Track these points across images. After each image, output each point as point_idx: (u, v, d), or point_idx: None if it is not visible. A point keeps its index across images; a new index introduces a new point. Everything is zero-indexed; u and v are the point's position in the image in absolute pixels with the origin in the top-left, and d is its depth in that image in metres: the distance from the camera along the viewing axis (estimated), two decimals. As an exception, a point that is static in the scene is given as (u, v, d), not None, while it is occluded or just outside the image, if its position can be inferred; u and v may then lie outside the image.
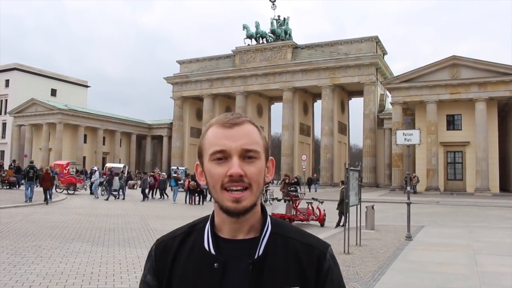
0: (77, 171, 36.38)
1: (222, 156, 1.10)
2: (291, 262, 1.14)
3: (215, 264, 1.12)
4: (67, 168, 32.96)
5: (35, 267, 8.21)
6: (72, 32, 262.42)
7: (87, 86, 76.68)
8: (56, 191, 28.67)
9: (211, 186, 1.13)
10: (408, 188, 13.32)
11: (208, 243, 1.16)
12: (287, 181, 24.32)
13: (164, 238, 1.25)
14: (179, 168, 41.12)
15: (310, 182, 41.11)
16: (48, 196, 21.91)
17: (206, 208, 22.43)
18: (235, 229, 1.15)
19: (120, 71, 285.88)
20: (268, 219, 1.20)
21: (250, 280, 1.10)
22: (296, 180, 29.62)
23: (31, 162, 25.87)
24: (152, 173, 31.77)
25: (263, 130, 59.96)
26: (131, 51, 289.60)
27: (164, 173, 31.47)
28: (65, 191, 29.40)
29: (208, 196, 27.43)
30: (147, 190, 27.66)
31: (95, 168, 32.84)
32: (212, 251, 1.14)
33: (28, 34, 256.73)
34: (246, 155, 1.10)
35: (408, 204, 12.60)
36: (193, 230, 1.22)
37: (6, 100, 64.53)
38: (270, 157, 1.20)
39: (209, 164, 1.12)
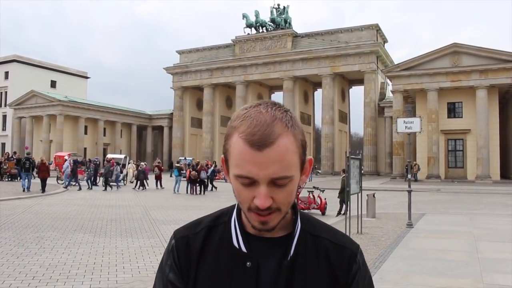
0: (78, 162, 36.30)
1: (249, 182, 0.98)
2: (322, 263, 1.08)
3: (248, 263, 1.04)
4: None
5: (38, 258, 8.26)
6: (69, 22, 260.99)
7: (87, 77, 76.48)
8: (58, 183, 28.75)
9: (237, 199, 1.05)
10: (409, 176, 13.33)
11: (237, 240, 1.08)
12: None
13: (186, 233, 1.15)
14: (186, 158, 40.98)
15: None
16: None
17: (208, 198, 22.50)
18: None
19: (119, 62, 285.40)
20: (299, 217, 1.12)
21: (282, 280, 1.04)
22: None
23: (28, 153, 26.17)
24: (157, 164, 31.70)
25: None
26: (129, 41, 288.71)
27: (144, 163, 30.84)
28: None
29: (209, 186, 27.58)
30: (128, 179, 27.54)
31: (66, 157, 32.94)
32: (243, 249, 1.07)
33: (25, 25, 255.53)
34: (276, 183, 0.98)
35: (409, 192, 12.63)
36: (217, 224, 1.14)
37: (6, 92, 64.41)
38: (309, 158, 1.07)
39: (235, 181, 1.01)
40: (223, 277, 1.05)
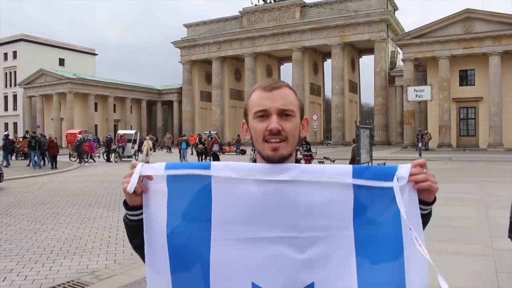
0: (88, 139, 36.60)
1: (264, 114, 1.29)
2: None
3: None
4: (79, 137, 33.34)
5: (55, 233, 8.47)
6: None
7: (94, 54, 76.36)
8: (71, 160, 29.14)
9: (254, 139, 1.32)
10: (420, 144, 13.28)
11: None
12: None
13: None
14: (211, 132, 40.81)
15: None
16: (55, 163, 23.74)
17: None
18: None
19: (123, 38, 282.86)
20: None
21: None
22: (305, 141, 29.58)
23: (33, 132, 26.69)
24: (184, 137, 32.18)
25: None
26: (131, 15, 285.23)
27: (87, 136, 29.98)
28: (78, 159, 29.80)
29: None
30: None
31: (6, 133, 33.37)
32: None
33: (25, 3, 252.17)
34: (283, 113, 1.29)
35: (420, 161, 12.58)
36: None
37: (15, 72, 64.70)
38: (305, 117, 1.41)
39: (253, 121, 1.32)
40: None
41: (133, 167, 1.25)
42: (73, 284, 5.56)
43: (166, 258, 1.21)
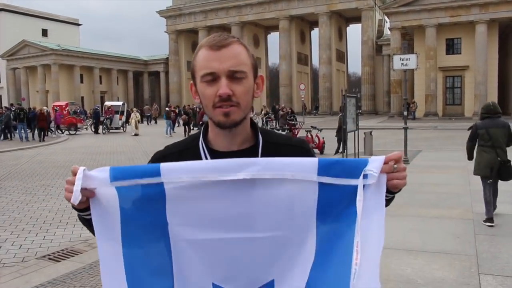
0: (74, 112, 36.25)
1: (211, 78, 1.19)
2: None
3: None
4: (66, 109, 33.07)
5: (46, 204, 8.58)
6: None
7: (78, 25, 74.64)
8: (58, 133, 28.97)
9: (204, 105, 1.24)
10: (405, 113, 13.48)
11: (205, 157, 1.26)
12: (282, 111, 24.78)
13: (164, 153, 1.35)
14: None
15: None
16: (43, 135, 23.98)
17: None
18: (229, 142, 1.26)
19: (107, 7, 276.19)
20: (259, 130, 1.32)
21: None
22: (291, 110, 30.05)
23: (19, 104, 26.52)
24: (171, 108, 32.66)
25: (261, 61, 58.25)
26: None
27: (46, 108, 28.29)
28: (66, 132, 29.65)
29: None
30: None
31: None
32: None
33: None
34: (234, 76, 1.18)
35: (405, 128, 12.82)
36: (188, 147, 1.33)
37: (-3, 43, 63.01)
38: (260, 74, 1.30)
39: (201, 85, 1.22)
40: None
41: (74, 173, 1.14)
42: (67, 252, 5.71)
43: (121, 263, 1.14)
